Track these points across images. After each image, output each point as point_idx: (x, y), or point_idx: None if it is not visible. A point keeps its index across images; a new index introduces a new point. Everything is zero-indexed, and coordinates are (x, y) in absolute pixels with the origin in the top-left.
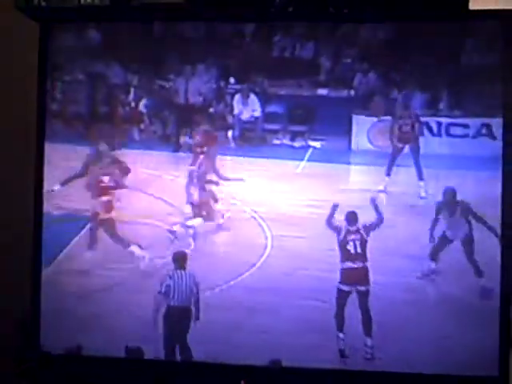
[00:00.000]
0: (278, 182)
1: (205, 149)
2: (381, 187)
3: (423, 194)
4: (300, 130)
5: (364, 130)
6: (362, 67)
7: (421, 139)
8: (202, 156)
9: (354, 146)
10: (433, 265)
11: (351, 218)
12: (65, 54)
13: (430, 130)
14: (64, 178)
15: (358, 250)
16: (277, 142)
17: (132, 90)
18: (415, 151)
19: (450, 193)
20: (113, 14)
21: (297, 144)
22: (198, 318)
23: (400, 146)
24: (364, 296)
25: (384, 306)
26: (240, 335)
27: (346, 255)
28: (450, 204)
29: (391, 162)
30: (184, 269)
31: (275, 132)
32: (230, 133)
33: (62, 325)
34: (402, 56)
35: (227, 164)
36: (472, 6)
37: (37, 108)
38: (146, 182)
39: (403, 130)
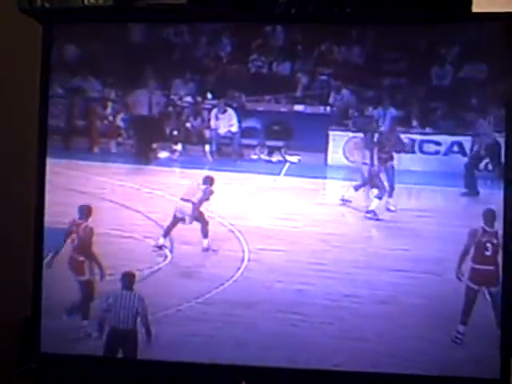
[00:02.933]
0: (255, 195)
1: None
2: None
3: (392, 208)
4: (277, 145)
5: (340, 146)
6: (336, 84)
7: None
8: None
9: (330, 160)
10: None
11: None
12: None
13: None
14: None
15: None
16: (254, 156)
17: (109, 104)
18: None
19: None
20: (117, 15)
21: (274, 159)
22: (149, 337)
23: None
24: None
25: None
26: (216, 349)
27: None
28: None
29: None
30: (131, 290)
31: (252, 147)
32: (207, 147)
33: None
34: (375, 74)
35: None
36: (475, 9)
37: (38, 117)
38: (124, 196)
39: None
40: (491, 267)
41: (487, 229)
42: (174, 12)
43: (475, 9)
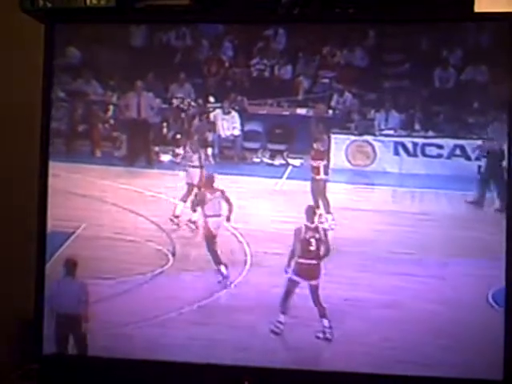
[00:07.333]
0: (257, 199)
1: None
2: None
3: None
4: (279, 148)
5: (342, 149)
6: (339, 87)
7: (396, 159)
8: None
9: (332, 164)
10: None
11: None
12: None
13: (406, 150)
14: None
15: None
16: (256, 160)
17: (111, 107)
18: None
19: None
20: (119, 15)
21: (276, 162)
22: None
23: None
24: None
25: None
26: (218, 352)
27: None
28: None
29: None
30: (73, 276)
31: (255, 150)
32: (209, 150)
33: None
34: (377, 77)
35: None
36: (477, 9)
37: (42, 117)
38: (126, 199)
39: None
40: (314, 261)
41: (309, 225)
42: (174, 13)
43: (477, 9)
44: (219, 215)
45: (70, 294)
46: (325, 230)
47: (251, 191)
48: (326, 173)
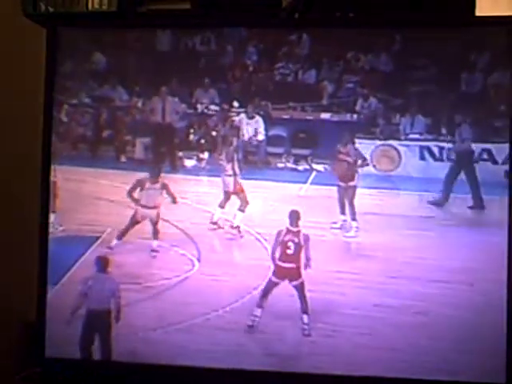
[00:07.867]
0: (281, 204)
1: None
2: None
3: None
4: (303, 153)
5: (367, 154)
6: (363, 92)
7: (422, 164)
8: None
9: None
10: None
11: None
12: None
13: (432, 154)
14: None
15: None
16: (280, 165)
17: (135, 112)
18: None
19: None
20: (120, 20)
21: (300, 167)
22: (118, 320)
23: None
24: None
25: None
26: (244, 358)
27: None
28: None
29: None
30: (106, 272)
31: (279, 155)
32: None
33: (67, 330)
34: (402, 81)
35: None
36: (479, 13)
37: (44, 120)
38: None
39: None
40: (292, 265)
41: (291, 228)
42: (175, 18)
43: (478, 12)
44: (152, 207)
45: (102, 290)
46: (306, 236)
47: (275, 196)
48: (358, 179)
